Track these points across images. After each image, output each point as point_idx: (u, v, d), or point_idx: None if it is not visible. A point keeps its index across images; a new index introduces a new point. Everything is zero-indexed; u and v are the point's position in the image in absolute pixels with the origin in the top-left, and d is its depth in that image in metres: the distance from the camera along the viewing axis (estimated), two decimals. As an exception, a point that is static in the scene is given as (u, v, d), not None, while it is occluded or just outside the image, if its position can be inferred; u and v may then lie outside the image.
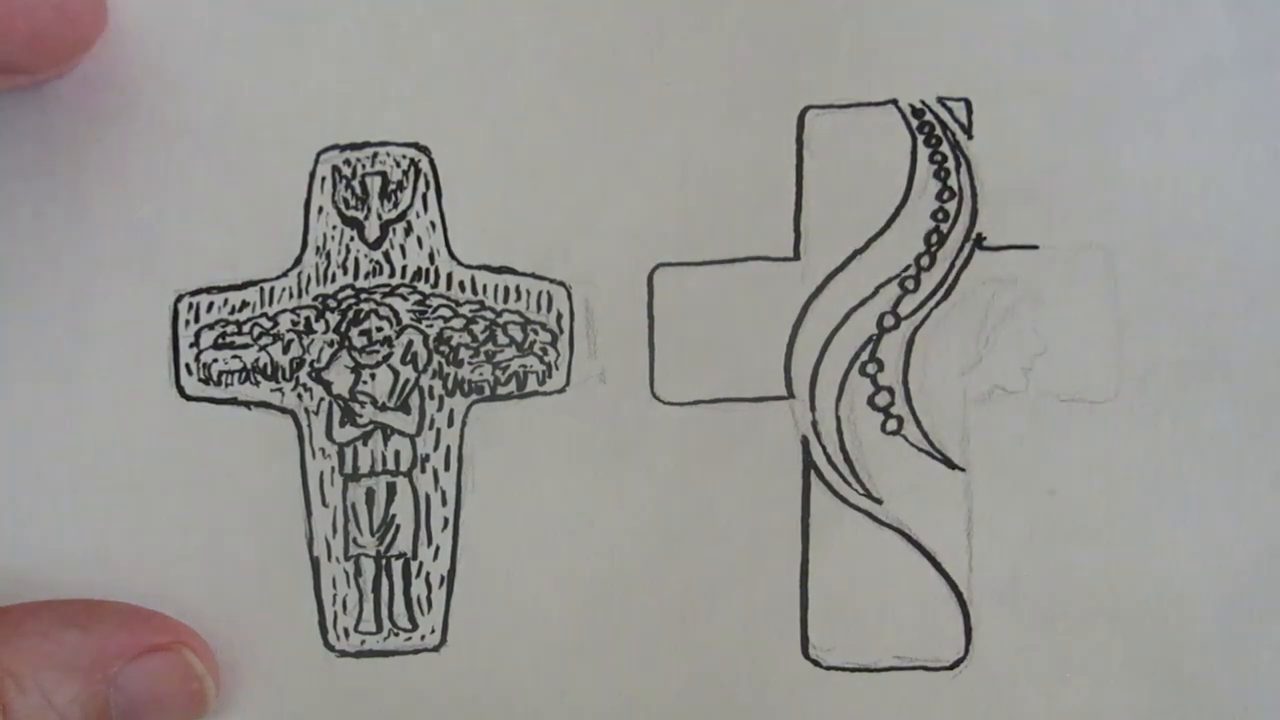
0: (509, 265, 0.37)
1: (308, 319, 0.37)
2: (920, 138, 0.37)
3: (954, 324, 0.37)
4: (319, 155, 0.38)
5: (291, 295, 0.38)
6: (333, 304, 0.37)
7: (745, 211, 0.37)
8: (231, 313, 0.37)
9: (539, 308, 0.37)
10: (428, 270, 0.37)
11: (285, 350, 0.37)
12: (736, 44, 0.38)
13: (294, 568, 0.37)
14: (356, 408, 0.37)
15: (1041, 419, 0.36)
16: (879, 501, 0.37)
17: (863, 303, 0.37)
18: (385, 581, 0.37)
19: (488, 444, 0.37)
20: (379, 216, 0.38)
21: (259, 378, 0.37)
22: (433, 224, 0.38)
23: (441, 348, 0.37)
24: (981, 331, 0.37)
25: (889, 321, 0.37)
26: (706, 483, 0.37)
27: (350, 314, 0.37)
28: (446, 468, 0.37)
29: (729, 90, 0.37)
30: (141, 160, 0.38)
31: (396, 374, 0.37)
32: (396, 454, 0.37)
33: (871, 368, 0.37)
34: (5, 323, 0.38)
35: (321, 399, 0.37)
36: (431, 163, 0.38)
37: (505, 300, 0.37)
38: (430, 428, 0.37)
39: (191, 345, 0.37)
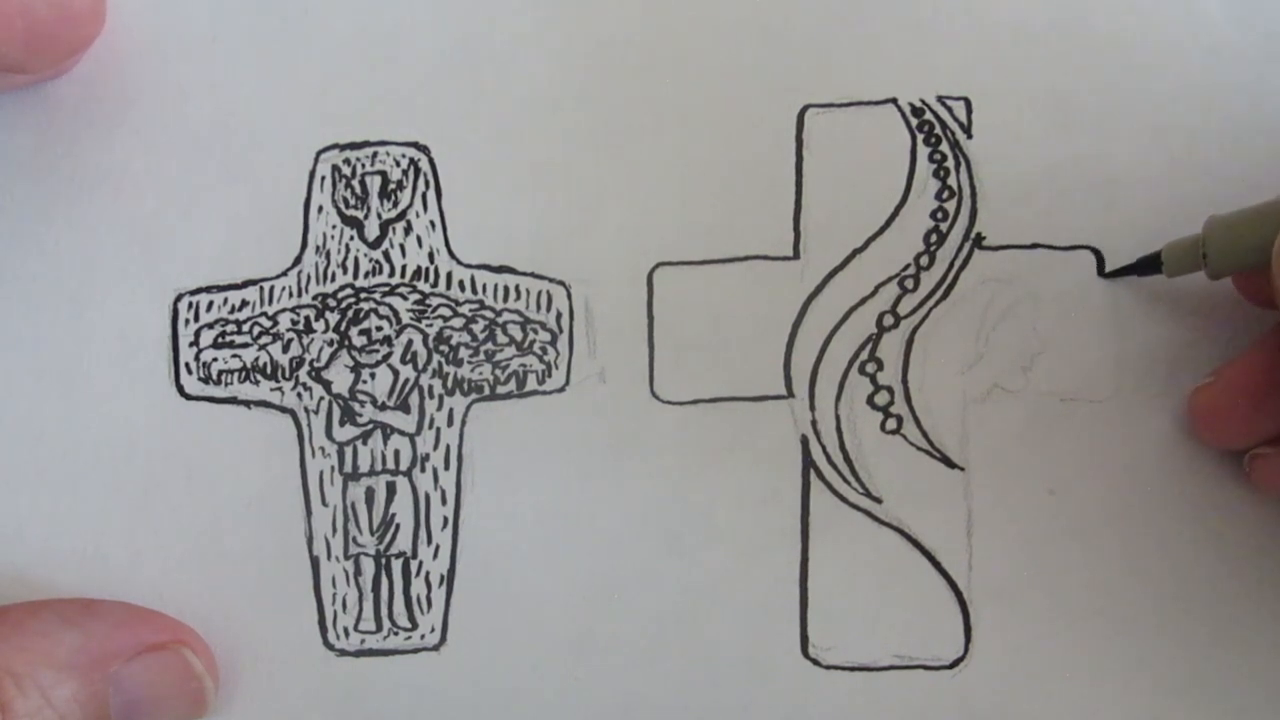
0: (509, 264, 0.37)
1: (307, 318, 0.37)
2: (920, 137, 0.37)
3: (953, 323, 0.37)
4: (319, 154, 0.38)
5: (291, 294, 0.38)
6: (332, 303, 0.37)
7: (745, 211, 0.37)
8: (231, 312, 0.38)
9: (539, 307, 0.37)
10: (427, 269, 0.37)
11: (285, 349, 0.37)
12: (736, 44, 0.38)
13: (294, 567, 0.37)
14: (356, 407, 0.37)
15: (1041, 418, 0.36)
16: (878, 501, 0.37)
17: (862, 302, 0.37)
18: (385, 580, 0.37)
19: (487, 443, 0.37)
20: (379, 216, 0.38)
21: (259, 377, 0.37)
22: (432, 223, 0.38)
23: (441, 347, 0.37)
24: (981, 331, 0.37)
25: (888, 321, 0.37)
26: (706, 482, 0.37)
27: (350, 313, 0.37)
28: (446, 467, 0.37)
29: (729, 90, 0.37)
30: (141, 160, 0.38)
31: (396, 373, 0.37)
32: (396, 453, 0.37)
33: (871, 367, 0.37)
34: (5, 323, 0.38)
35: (321, 398, 0.37)
36: (431, 162, 0.38)
37: (505, 299, 0.37)
38: (430, 427, 0.37)
39: (191, 344, 0.37)
